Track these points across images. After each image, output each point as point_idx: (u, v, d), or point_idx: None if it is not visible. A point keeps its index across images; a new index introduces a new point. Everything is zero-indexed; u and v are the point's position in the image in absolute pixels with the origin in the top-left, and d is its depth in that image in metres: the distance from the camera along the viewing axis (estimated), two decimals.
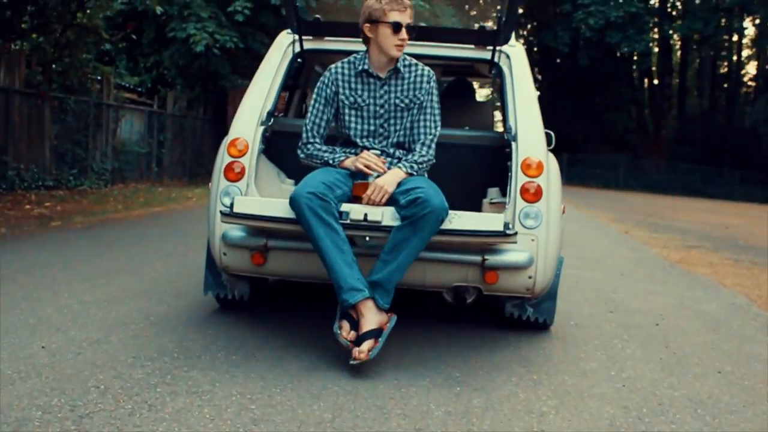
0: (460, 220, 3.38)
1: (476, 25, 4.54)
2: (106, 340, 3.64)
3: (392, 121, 3.78)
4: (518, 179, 3.69)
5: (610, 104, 42.56)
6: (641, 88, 46.22)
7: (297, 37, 4.26)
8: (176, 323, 4.04)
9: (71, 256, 6.04)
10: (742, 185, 39.76)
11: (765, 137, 39.05)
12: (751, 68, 52.08)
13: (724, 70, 51.49)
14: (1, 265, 5.38)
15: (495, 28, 4.19)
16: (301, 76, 5.17)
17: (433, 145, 3.76)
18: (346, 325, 3.37)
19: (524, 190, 3.66)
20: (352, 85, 3.79)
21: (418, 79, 3.79)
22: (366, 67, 3.76)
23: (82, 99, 14.17)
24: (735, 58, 48.18)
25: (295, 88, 5.24)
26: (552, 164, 3.88)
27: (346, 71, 3.80)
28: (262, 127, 3.92)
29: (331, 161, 3.71)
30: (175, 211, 10.91)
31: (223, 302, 4.27)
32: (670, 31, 38.11)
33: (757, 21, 41.30)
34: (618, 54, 41.01)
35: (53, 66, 13.62)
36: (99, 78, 15.17)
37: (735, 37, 47.34)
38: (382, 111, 3.77)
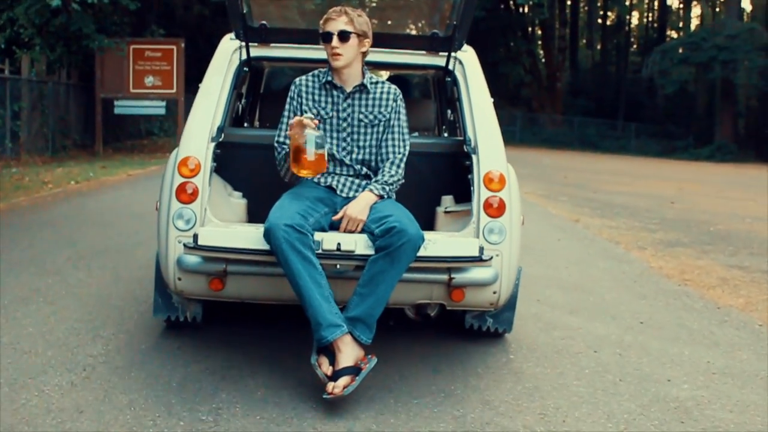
0: (434, 246, 3.40)
1: (429, 31, 4.43)
2: None
3: (355, 137, 3.75)
4: (481, 194, 3.65)
5: (503, 57, 41.44)
6: (533, 39, 45.46)
7: (243, 43, 4.14)
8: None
9: None
10: (638, 138, 39.76)
11: (661, 89, 38.87)
12: (634, 19, 52.17)
13: (610, 21, 51.46)
14: None
15: (449, 33, 4.14)
16: (245, 84, 4.99)
17: (403, 165, 3.73)
18: (324, 360, 3.29)
19: (488, 205, 3.63)
20: (316, 97, 3.76)
21: (384, 96, 3.77)
22: (330, 78, 3.73)
23: None
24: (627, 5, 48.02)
25: (241, 96, 4.98)
26: (512, 175, 3.81)
27: (310, 83, 3.78)
28: (213, 144, 3.77)
29: (285, 146, 3.66)
30: (18, 209, 8.67)
31: (174, 324, 4.07)
32: None
33: None
34: (511, 4, 39.91)
35: None
36: None
37: None
38: (345, 125, 3.73)
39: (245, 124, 5.24)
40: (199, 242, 3.37)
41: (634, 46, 50.76)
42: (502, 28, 40.34)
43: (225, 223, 3.63)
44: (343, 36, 3.57)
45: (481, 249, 3.44)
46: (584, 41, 52.42)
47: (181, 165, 3.62)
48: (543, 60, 43.61)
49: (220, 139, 3.82)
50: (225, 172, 4.06)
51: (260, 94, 5.62)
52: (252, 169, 4.18)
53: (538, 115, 41.79)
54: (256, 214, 4.05)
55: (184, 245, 3.45)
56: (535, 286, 5.48)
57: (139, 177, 13.16)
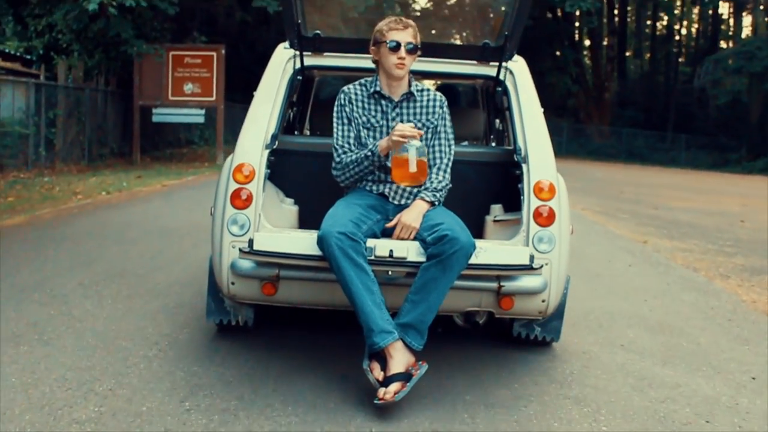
0: (486, 254, 3.41)
1: (480, 41, 4.39)
2: None
3: None
4: (531, 203, 3.66)
5: (551, 66, 40.42)
6: (581, 49, 44.39)
7: (297, 52, 4.21)
8: None
9: None
10: (688, 150, 38.50)
11: (713, 99, 37.57)
12: (684, 29, 50.70)
13: (660, 31, 50.15)
14: None
15: (500, 43, 4.16)
16: (296, 92, 4.86)
17: (449, 170, 3.78)
18: (376, 365, 3.32)
19: (537, 214, 3.63)
20: (366, 106, 3.81)
21: (431, 103, 3.82)
22: (378, 89, 3.79)
23: None
24: (678, 16, 46.73)
25: (292, 105, 4.98)
26: (561, 184, 3.80)
27: (358, 92, 3.84)
28: (267, 151, 3.81)
29: (371, 153, 3.62)
30: (39, 222, 8.09)
31: (226, 328, 4.13)
32: None
33: None
34: (559, 13, 38.92)
35: None
36: None
37: None
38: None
39: (295, 132, 5.29)
40: (255, 247, 3.45)
41: (683, 56, 49.27)
42: (549, 36, 39.35)
43: (278, 229, 3.68)
44: (411, 49, 3.65)
45: (532, 257, 3.47)
46: (631, 51, 51.10)
47: (236, 171, 3.69)
48: (590, 70, 42.50)
49: (274, 147, 3.87)
50: (277, 178, 4.09)
51: (310, 102, 5.68)
52: (304, 175, 4.24)
53: (585, 126, 40.70)
54: (307, 220, 4.09)
55: (240, 250, 3.51)
56: (615, 325, 4.72)
57: (174, 188, 12.59)
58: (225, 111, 18.56)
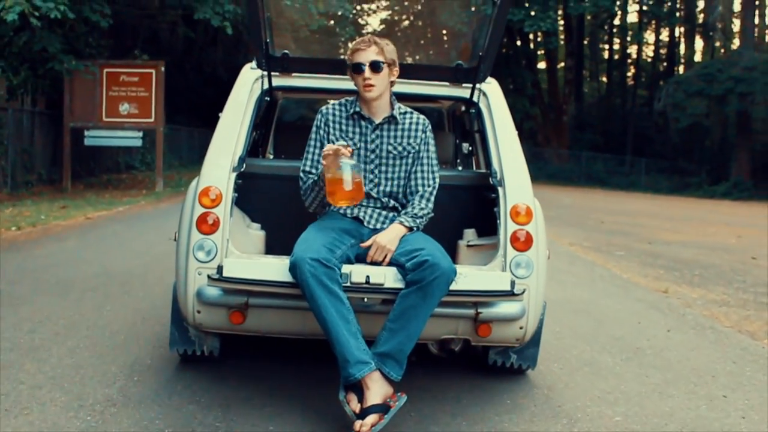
0: (466, 279, 3.33)
1: (453, 62, 4.28)
2: None
3: (383, 168, 3.70)
4: (508, 227, 3.60)
5: (508, 88, 39.46)
6: (537, 70, 43.58)
7: (265, 73, 4.09)
8: None
9: None
10: (648, 174, 37.77)
11: (674, 123, 36.87)
12: (643, 52, 50.34)
13: (616, 53, 49.76)
14: None
15: (473, 64, 4.09)
16: (264, 115, 4.94)
17: (433, 198, 3.69)
18: (353, 396, 3.19)
19: (514, 239, 3.57)
20: (343, 128, 3.72)
21: (413, 127, 3.73)
22: (358, 109, 3.70)
23: None
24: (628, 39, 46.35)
25: (258, 127, 4.79)
26: (537, 208, 3.72)
27: (337, 113, 3.74)
28: (235, 174, 3.69)
29: (317, 178, 3.56)
30: None
31: (190, 358, 3.96)
32: (582, 6, 34.82)
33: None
34: (515, 32, 38.02)
35: None
36: None
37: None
38: (373, 156, 3.68)
39: (259, 155, 5.20)
40: (225, 274, 3.33)
41: (643, 77, 48.74)
42: (506, 58, 38.46)
43: (247, 255, 3.59)
44: (375, 66, 3.54)
45: (513, 283, 3.39)
46: (587, 73, 50.59)
47: (202, 195, 3.58)
48: (547, 92, 41.69)
49: (242, 169, 3.77)
50: (243, 202, 3.96)
51: (273, 125, 5.51)
52: (271, 200, 4.13)
53: (543, 149, 39.81)
54: (273, 246, 3.99)
55: (209, 276, 3.39)
56: None
57: (99, 221, 10.90)
58: (169, 134, 16.95)
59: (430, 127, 3.77)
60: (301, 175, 3.68)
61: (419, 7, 7.55)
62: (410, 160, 3.68)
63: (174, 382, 3.74)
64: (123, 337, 4.53)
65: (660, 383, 4.15)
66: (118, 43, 20.51)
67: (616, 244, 11.09)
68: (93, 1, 14.91)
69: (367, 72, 3.51)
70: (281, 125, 5.57)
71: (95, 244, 8.39)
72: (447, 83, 4.27)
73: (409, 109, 3.82)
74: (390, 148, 3.67)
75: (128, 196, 15.22)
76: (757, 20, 36.12)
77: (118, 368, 3.91)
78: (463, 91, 4.23)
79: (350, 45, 3.64)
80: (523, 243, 3.54)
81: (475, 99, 4.17)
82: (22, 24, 13.65)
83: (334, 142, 3.58)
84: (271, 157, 5.48)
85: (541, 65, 45.44)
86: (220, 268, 3.33)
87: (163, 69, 16.23)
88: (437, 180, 3.71)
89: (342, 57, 3.93)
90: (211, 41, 30.45)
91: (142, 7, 20.20)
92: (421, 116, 3.79)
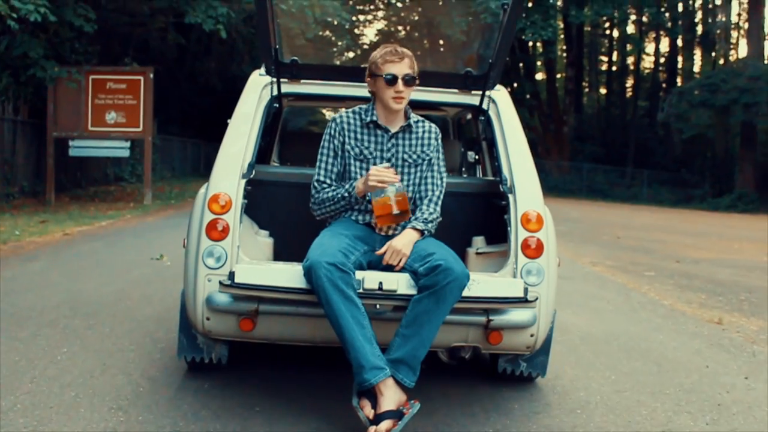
0: (479, 286, 3.32)
1: (462, 69, 4.35)
2: None
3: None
4: (519, 234, 3.60)
5: None
6: (537, 81, 42.88)
7: (274, 79, 4.12)
8: None
9: None
10: (650, 186, 37.04)
11: (677, 134, 36.12)
12: (644, 63, 49.66)
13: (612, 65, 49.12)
14: None
15: (483, 72, 4.11)
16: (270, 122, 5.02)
17: (440, 202, 3.73)
18: (367, 403, 3.18)
19: (525, 246, 3.57)
20: (359, 136, 3.73)
21: (426, 135, 3.77)
22: (374, 118, 3.71)
23: None
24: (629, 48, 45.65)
25: (267, 134, 4.92)
26: (548, 215, 3.73)
27: (352, 121, 3.74)
28: (244, 180, 3.71)
29: (347, 194, 3.59)
30: None
31: (198, 366, 3.92)
32: (583, 14, 34.12)
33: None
34: (514, 43, 37.29)
35: None
36: None
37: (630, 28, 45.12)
38: (388, 165, 3.63)
39: (270, 162, 5.27)
40: (237, 280, 3.28)
41: (647, 86, 48.01)
42: (505, 67, 37.75)
43: (257, 261, 3.61)
44: (409, 81, 3.57)
45: (526, 290, 3.36)
46: (587, 84, 49.94)
47: (212, 201, 3.58)
48: (547, 102, 40.97)
49: (251, 176, 3.78)
50: (251, 209, 3.94)
51: (278, 132, 5.52)
52: (279, 207, 4.13)
53: (544, 161, 39.03)
54: (281, 253, 3.98)
55: (220, 283, 3.35)
56: None
57: (78, 238, 9.98)
58: (161, 145, 16.09)
59: (440, 135, 3.83)
60: (315, 184, 3.69)
61: (416, 17, 7.46)
62: (424, 168, 3.72)
63: None
64: (73, 394, 3.59)
65: None
66: (107, 50, 19.64)
67: (641, 263, 10.25)
68: (77, 5, 14.07)
69: (401, 85, 3.53)
70: (287, 132, 5.55)
71: (67, 265, 7.47)
72: (456, 90, 4.29)
73: (420, 118, 3.85)
74: (405, 156, 3.71)
75: (114, 209, 14.35)
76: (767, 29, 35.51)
77: None
78: (473, 99, 4.25)
79: (375, 54, 3.60)
80: (534, 250, 3.55)
81: (484, 106, 4.17)
82: (2, 27, 12.84)
83: (349, 151, 3.67)
84: (277, 163, 5.47)
85: (539, 76, 44.77)
86: (232, 274, 3.30)
87: (151, 76, 15.41)
88: (444, 185, 3.76)
89: (350, 65, 3.86)
90: (204, 50, 29.71)
91: (131, 14, 19.36)
92: (433, 125, 3.83)
